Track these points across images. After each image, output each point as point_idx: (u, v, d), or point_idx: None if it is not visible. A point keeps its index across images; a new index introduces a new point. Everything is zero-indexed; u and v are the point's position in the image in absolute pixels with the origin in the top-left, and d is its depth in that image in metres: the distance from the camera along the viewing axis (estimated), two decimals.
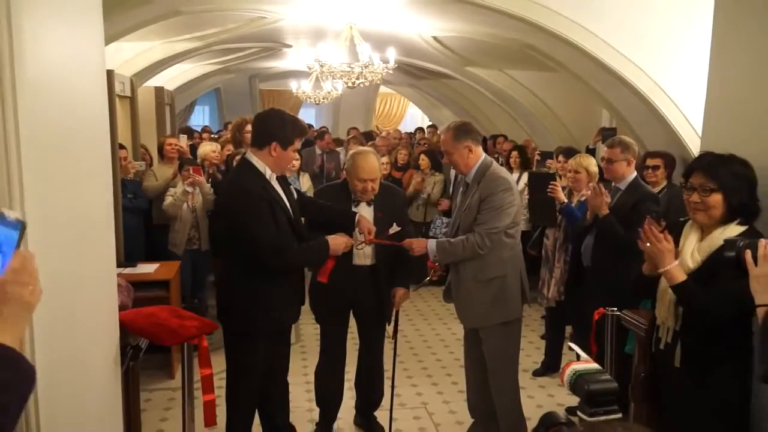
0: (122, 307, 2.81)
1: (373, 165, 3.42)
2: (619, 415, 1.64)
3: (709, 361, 2.31)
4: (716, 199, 2.30)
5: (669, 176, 4.53)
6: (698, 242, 2.35)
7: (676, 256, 2.32)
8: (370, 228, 3.30)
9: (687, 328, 2.35)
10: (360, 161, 3.42)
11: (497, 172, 3.34)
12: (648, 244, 2.32)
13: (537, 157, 5.72)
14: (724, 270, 2.12)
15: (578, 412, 1.70)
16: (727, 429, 2.30)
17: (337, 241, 3.13)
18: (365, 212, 3.49)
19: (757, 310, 1.76)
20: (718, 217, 2.31)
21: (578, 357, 1.85)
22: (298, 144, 3.07)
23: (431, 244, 3.34)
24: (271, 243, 2.93)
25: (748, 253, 1.79)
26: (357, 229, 3.34)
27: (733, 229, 2.27)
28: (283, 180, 3.18)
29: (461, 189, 3.51)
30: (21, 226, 1.15)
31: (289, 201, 3.12)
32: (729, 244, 1.85)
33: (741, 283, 1.92)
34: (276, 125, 3.01)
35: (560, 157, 5.34)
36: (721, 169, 2.32)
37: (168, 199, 5.36)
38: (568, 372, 1.74)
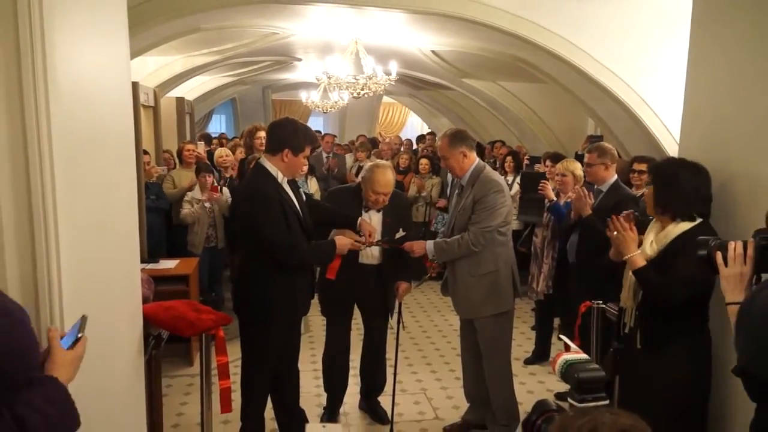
0: (144, 300, 2.81)
1: (390, 180, 3.44)
2: (607, 402, 1.64)
3: (665, 340, 2.41)
4: (649, 192, 2.50)
5: None
6: (656, 234, 2.48)
7: (640, 246, 2.47)
8: (371, 230, 3.32)
9: (645, 311, 2.47)
10: (378, 175, 3.41)
11: (490, 175, 3.35)
12: (615, 233, 2.46)
13: (526, 161, 5.74)
14: (676, 259, 2.30)
15: (568, 399, 1.70)
16: (684, 404, 2.36)
17: (342, 242, 3.15)
18: (374, 218, 3.51)
19: (728, 309, 1.77)
20: (650, 209, 2.49)
21: (568, 347, 1.85)
22: (308, 151, 3.07)
23: (429, 245, 3.35)
24: (282, 242, 2.94)
25: (719, 255, 1.81)
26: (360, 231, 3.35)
27: (684, 225, 2.40)
28: (293, 183, 3.18)
29: (456, 191, 3.51)
30: (83, 321, 1.51)
31: (299, 203, 3.12)
32: (701, 243, 1.88)
33: (692, 270, 2.05)
34: (288, 133, 3.01)
35: (547, 162, 5.36)
36: (657, 168, 2.55)
37: (186, 208, 5.35)
38: (560, 362, 1.74)
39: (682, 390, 2.37)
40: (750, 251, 1.75)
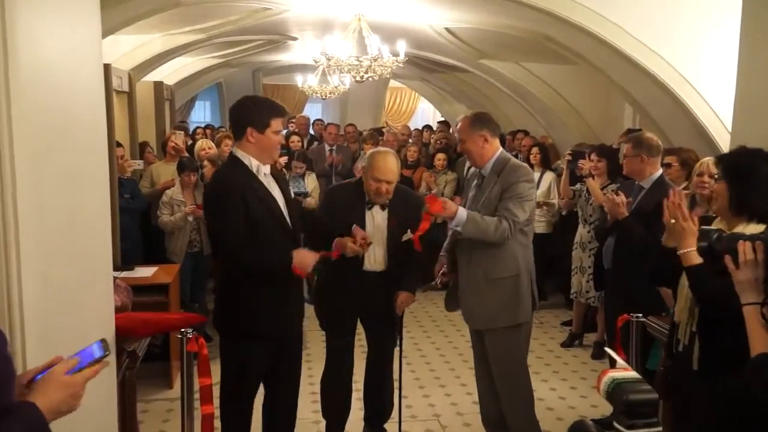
0: (123, 308, 2.83)
1: (391, 166, 3.44)
2: (660, 429, 1.63)
3: (729, 362, 2.32)
4: (721, 187, 2.41)
5: (687, 176, 4.49)
6: None
7: None
8: (363, 234, 3.33)
9: (704, 328, 2.40)
10: (378, 160, 3.43)
11: (518, 162, 3.44)
12: (673, 221, 2.39)
13: (568, 157, 5.57)
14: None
15: (615, 424, 1.68)
16: None
17: (303, 256, 3.05)
18: (379, 217, 3.51)
19: (744, 309, 1.84)
20: (725, 208, 2.40)
21: (613, 363, 1.83)
22: (277, 125, 3.05)
23: (462, 212, 3.23)
24: (230, 239, 2.96)
25: (729, 260, 1.85)
26: (367, 236, 3.37)
27: (754, 228, 2.32)
28: (280, 178, 3.20)
29: (475, 182, 3.52)
30: (105, 353, 1.53)
31: (285, 199, 3.14)
32: (703, 233, 1.90)
33: None
34: (247, 110, 3.05)
35: (593, 156, 5.13)
36: (731, 159, 2.45)
37: (164, 214, 5.35)
38: (605, 380, 1.71)
39: (747, 423, 2.32)
40: (760, 255, 1.80)
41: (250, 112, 3.03)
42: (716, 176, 2.47)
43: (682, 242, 2.37)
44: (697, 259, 2.32)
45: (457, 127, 3.47)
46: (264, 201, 3.01)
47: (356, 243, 3.30)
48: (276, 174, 3.19)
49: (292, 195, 3.34)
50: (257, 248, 2.97)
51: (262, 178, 3.05)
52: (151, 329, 2.76)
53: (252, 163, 3.02)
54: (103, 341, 1.54)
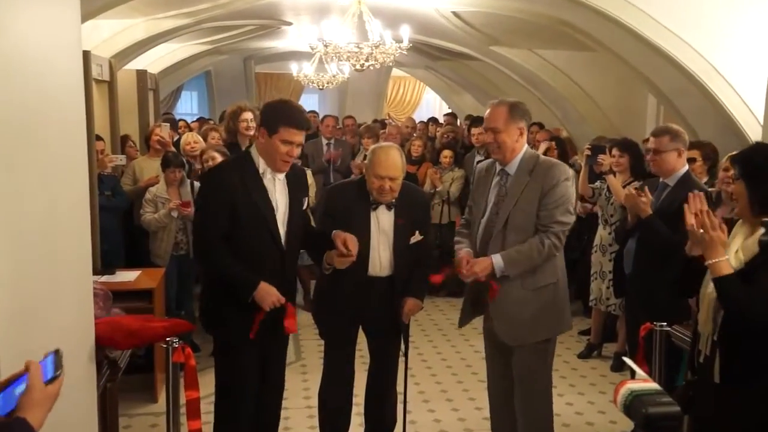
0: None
1: (394, 161, 3.42)
2: None
3: (753, 374, 2.35)
4: (739, 188, 2.42)
5: (710, 170, 4.48)
6: (743, 240, 2.43)
7: None
8: (346, 237, 3.26)
9: (726, 338, 2.41)
10: (379, 155, 3.42)
11: (550, 159, 3.41)
12: (700, 231, 2.38)
13: (586, 152, 5.55)
14: (764, 271, 2.25)
15: None
16: None
17: (266, 292, 3.05)
18: (384, 217, 3.50)
19: None
20: (744, 209, 2.42)
21: (633, 374, 1.83)
22: (287, 134, 3.05)
23: (498, 261, 3.18)
24: (202, 234, 3.13)
25: None
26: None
27: None
28: (296, 187, 3.24)
29: (496, 179, 3.38)
30: (56, 373, 1.57)
31: (290, 207, 3.18)
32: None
33: None
34: (268, 109, 3.20)
35: (614, 151, 5.07)
36: (746, 156, 2.46)
37: (148, 212, 5.34)
38: (623, 392, 1.71)
39: None
40: None
41: (268, 111, 3.17)
42: (733, 176, 2.47)
43: (712, 252, 2.36)
44: (728, 269, 2.33)
45: (490, 114, 3.32)
46: (256, 206, 3.06)
47: (340, 252, 3.25)
48: (293, 178, 3.25)
49: (305, 205, 3.34)
50: (230, 254, 3.05)
51: (266, 181, 3.11)
52: (135, 341, 2.77)
53: (261, 164, 3.12)
54: (56, 354, 1.58)
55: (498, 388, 3.60)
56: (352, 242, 3.24)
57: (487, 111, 3.35)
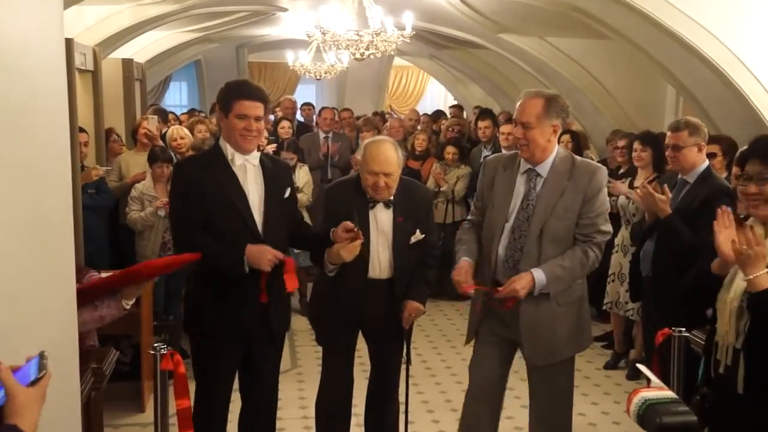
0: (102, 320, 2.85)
1: (388, 156, 3.39)
2: None
3: None
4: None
5: (728, 166, 4.48)
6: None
7: None
8: (346, 226, 3.27)
9: (752, 347, 2.40)
10: (371, 150, 3.43)
11: (587, 160, 3.40)
12: (744, 247, 2.35)
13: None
14: None
15: None
16: None
17: (258, 252, 3.11)
18: (383, 216, 3.50)
19: None
20: None
21: (648, 382, 1.83)
22: (238, 108, 3.13)
23: (539, 277, 3.06)
24: (179, 226, 3.28)
25: None
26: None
27: None
28: (274, 175, 3.29)
29: (523, 179, 3.24)
30: (40, 374, 1.61)
31: (266, 193, 3.24)
32: None
33: None
34: (221, 92, 3.27)
35: (635, 145, 5.08)
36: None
37: (134, 210, 5.35)
38: (636, 400, 1.72)
39: None
40: None
41: (221, 93, 3.26)
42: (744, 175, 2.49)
43: (752, 267, 2.33)
44: None
45: (522, 107, 3.16)
46: (226, 195, 3.15)
47: (343, 239, 3.26)
48: (271, 166, 3.33)
49: (287, 194, 3.35)
50: (198, 240, 3.15)
51: (236, 168, 3.19)
52: (157, 267, 3.13)
53: (228, 151, 3.20)
54: (41, 356, 1.61)
55: (486, 377, 3.55)
56: (349, 226, 3.27)
57: (519, 102, 3.19)
